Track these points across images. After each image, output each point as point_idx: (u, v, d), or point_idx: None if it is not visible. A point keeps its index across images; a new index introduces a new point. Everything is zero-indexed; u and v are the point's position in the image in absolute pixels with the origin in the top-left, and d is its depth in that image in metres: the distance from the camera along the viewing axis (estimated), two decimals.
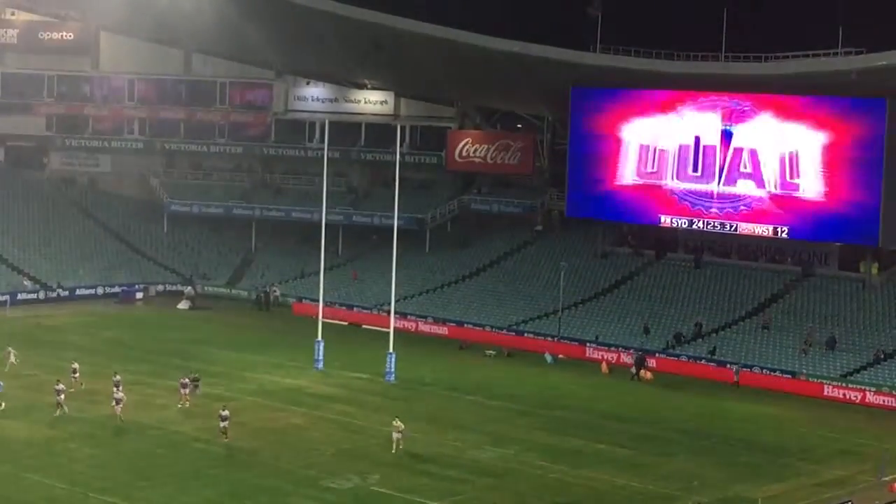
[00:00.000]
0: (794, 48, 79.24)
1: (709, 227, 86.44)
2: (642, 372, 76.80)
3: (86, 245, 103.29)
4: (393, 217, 76.05)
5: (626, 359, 79.10)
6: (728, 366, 75.93)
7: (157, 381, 67.48)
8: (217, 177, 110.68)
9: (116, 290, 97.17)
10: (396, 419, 56.43)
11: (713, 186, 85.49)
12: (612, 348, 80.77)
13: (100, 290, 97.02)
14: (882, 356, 74.92)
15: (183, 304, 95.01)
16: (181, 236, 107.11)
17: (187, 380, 63.20)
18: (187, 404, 62.26)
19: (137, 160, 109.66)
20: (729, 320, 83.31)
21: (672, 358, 78.97)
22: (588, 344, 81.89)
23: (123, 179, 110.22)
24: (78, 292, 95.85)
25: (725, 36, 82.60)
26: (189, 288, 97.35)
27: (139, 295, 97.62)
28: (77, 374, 65.41)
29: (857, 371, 74.35)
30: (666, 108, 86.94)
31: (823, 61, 77.77)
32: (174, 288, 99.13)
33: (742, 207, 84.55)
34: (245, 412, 62.66)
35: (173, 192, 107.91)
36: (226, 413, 56.66)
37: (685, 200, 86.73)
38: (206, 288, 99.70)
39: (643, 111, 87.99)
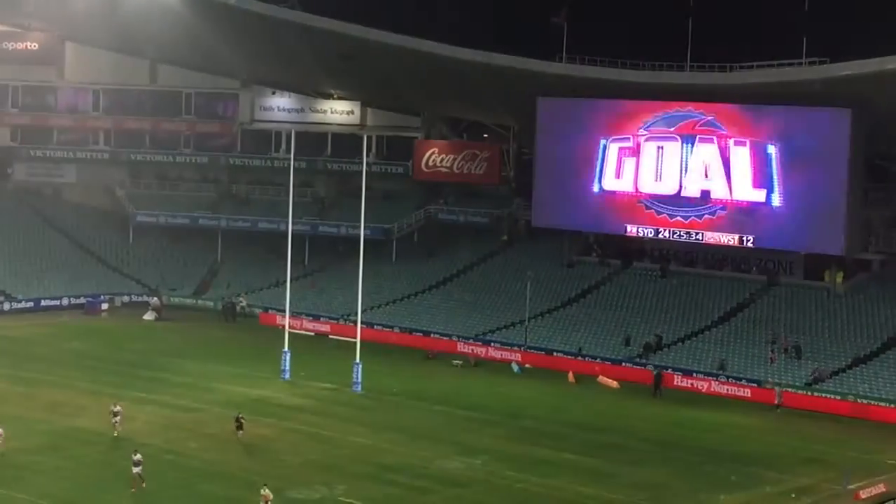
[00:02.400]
0: (759, 59, 79.66)
1: (675, 236, 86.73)
2: (606, 379, 77.24)
3: (51, 256, 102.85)
4: (359, 227, 75.99)
5: (597, 369, 79.41)
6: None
7: (123, 392, 67.13)
8: (183, 187, 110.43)
9: (81, 300, 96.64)
10: (265, 487, 48.98)
11: (678, 196, 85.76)
12: (579, 357, 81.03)
13: (65, 301, 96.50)
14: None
15: (149, 315, 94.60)
16: (147, 247, 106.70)
17: (119, 407, 60.12)
18: (116, 433, 59.33)
19: (103, 171, 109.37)
20: (695, 329, 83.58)
21: (639, 367, 79.21)
22: (555, 353, 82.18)
23: (89, 190, 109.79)
24: (43, 303, 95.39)
25: (691, 47, 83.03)
26: (155, 299, 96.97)
27: (104, 306, 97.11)
28: None
29: (823, 379, 74.70)
30: (632, 117, 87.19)
31: (788, 71, 78.22)
32: (140, 299, 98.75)
33: (707, 216, 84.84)
34: (211, 423, 62.53)
35: (139, 202, 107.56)
36: (138, 458, 51.61)
37: (650, 210, 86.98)
38: (171, 299, 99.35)
39: (609, 121, 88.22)
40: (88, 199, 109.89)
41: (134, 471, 51.45)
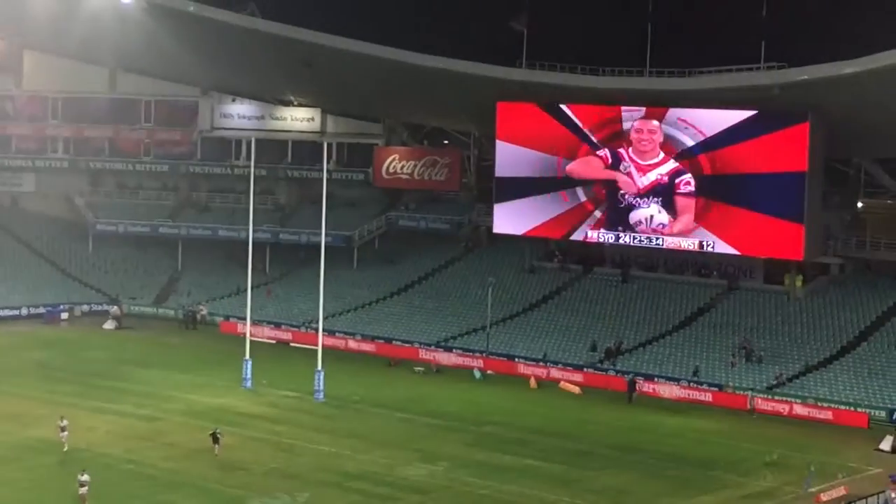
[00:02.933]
0: (718, 64, 79.97)
1: (635, 241, 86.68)
2: (568, 385, 77.40)
3: (9, 265, 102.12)
4: (320, 234, 75.82)
5: (556, 374, 79.59)
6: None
7: (83, 402, 66.84)
8: (143, 195, 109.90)
9: (41, 310, 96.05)
10: None
11: (638, 200, 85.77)
12: (540, 363, 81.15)
13: (24, 311, 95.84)
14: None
15: (109, 324, 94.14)
16: (107, 256, 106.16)
17: (66, 421, 58.82)
18: (65, 448, 58.14)
19: (62, 179, 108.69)
20: (657, 334, 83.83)
21: (600, 373, 79.39)
22: (517, 359, 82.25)
23: (48, 199, 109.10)
24: (2, 313, 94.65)
25: (650, 52, 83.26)
26: (115, 307, 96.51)
27: (64, 315, 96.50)
28: None
29: (783, 383, 75.07)
30: (592, 122, 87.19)
31: (746, 75, 78.52)
32: (100, 308, 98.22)
33: (668, 220, 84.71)
34: (172, 433, 62.28)
35: (98, 211, 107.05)
36: (85, 478, 50.36)
37: (612, 215, 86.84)
38: (132, 307, 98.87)
39: (569, 126, 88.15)
40: (47, 207, 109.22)
41: (80, 491, 50.43)
